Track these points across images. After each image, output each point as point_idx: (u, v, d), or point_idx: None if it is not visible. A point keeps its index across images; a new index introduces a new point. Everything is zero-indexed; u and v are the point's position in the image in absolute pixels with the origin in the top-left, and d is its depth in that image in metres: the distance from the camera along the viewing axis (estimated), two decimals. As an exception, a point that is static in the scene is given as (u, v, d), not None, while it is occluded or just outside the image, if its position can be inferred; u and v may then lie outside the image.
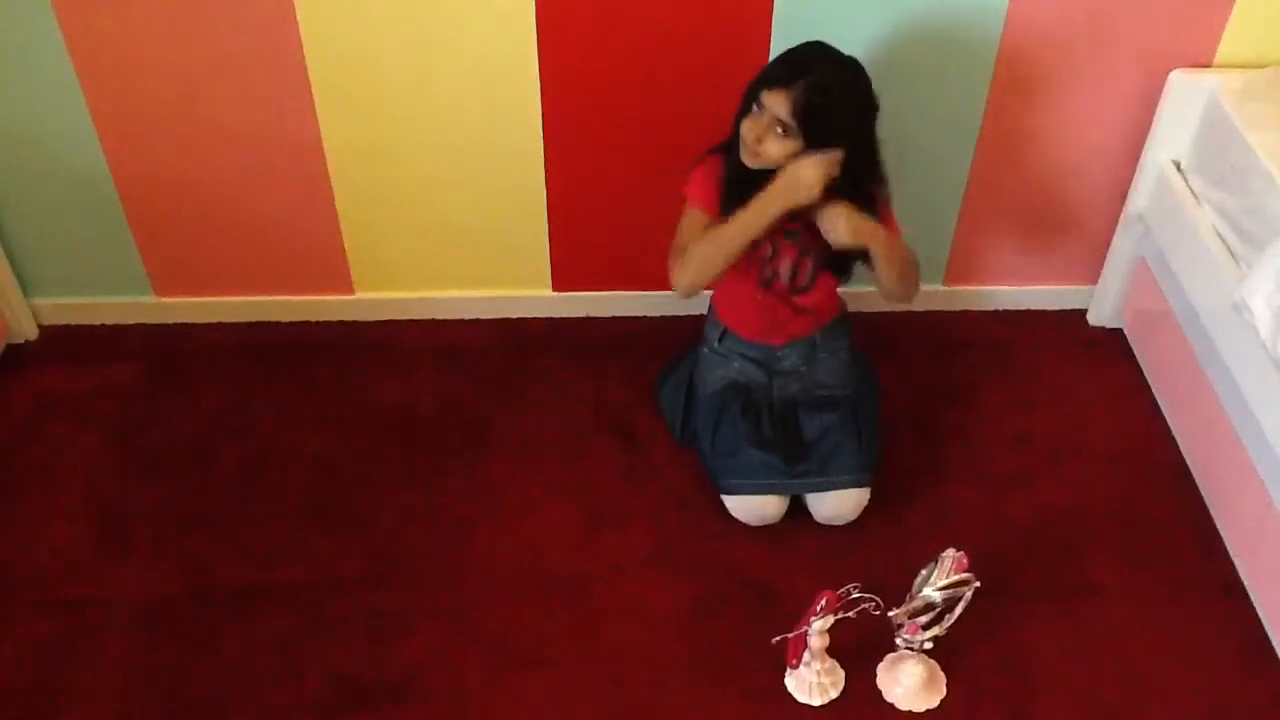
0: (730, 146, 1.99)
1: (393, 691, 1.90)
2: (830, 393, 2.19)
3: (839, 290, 2.21)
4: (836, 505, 2.13)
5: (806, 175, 1.90)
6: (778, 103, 1.86)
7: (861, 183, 1.98)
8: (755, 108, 1.91)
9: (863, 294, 2.31)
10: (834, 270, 2.09)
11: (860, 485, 2.12)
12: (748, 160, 1.94)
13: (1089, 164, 2.44)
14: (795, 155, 1.90)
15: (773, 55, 2.21)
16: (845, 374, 2.22)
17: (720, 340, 2.22)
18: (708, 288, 2.11)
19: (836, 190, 1.94)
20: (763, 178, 1.94)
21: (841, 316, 2.25)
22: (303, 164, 2.35)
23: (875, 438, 2.18)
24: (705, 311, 2.33)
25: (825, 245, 2.00)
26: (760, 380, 2.19)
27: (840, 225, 1.93)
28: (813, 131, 1.88)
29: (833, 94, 1.87)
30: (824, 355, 2.21)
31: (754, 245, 2.00)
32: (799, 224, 2.03)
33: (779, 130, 1.88)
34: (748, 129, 1.92)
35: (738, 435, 2.12)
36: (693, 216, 2.06)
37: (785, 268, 2.08)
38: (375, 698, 1.89)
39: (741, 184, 1.96)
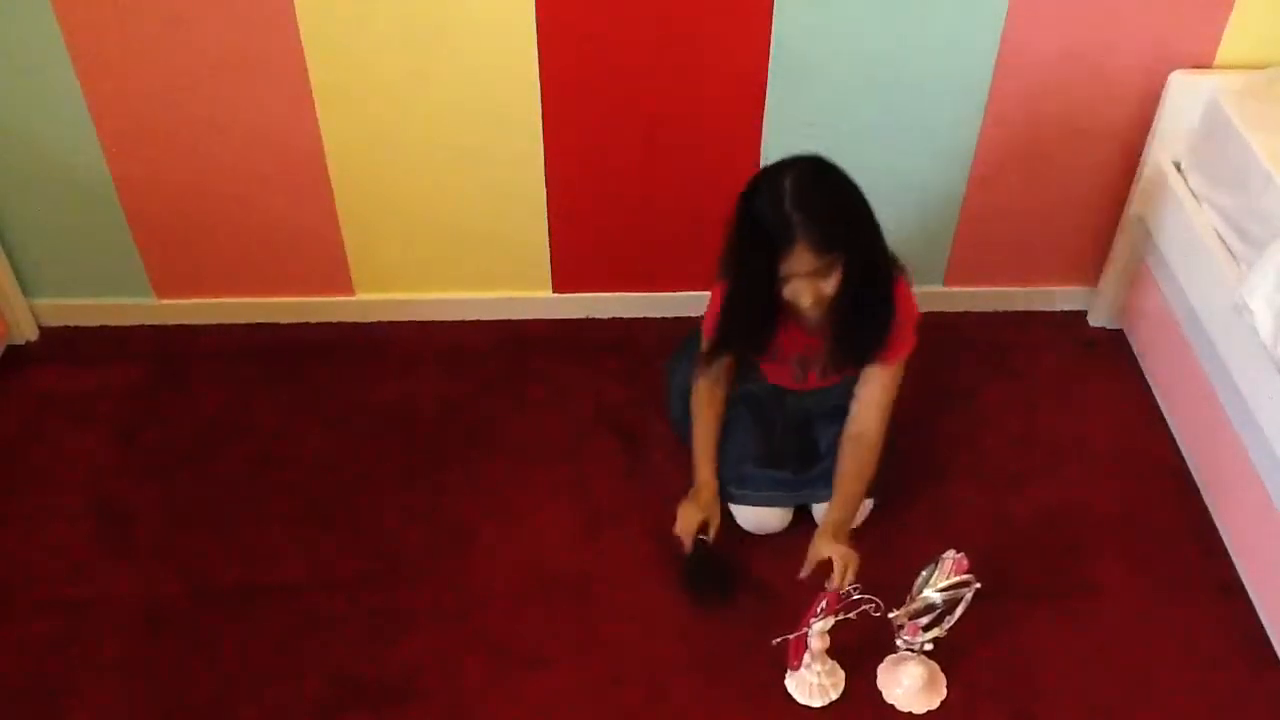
0: (726, 278, 1.92)
1: (393, 691, 1.90)
2: (846, 403, 2.17)
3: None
4: None
5: (682, 523, 2.03)
6: (801, 261, 1.75)
7: (875, 286, 1.88)
8: (785, 280, 1.79)
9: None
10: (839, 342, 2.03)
11: (864, 497, 2.12)
12: (815, 315, 1.88)
13: (1089, 164, 2.44)
14: (841, 273, 1.80)
15: (772, 58, 2.22)
16: None
17: None
18: None
19: (849, 299, 1.84)
20: (756, 328, 1.95)
21: None
22: (303, 165, 2.35)
23: (885, 452, 2.15)
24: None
25: (849, 355, 1.99)
26: (774, 392, 2.18)
27: (852, 559, 1.90)
28: (844, 242, 1.78)
29: (831, 200, 1.78)
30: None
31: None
32: (806, 351, 2.03)
33: (820, 274, 1.78)
34: (793, 296, 1.81)
35: (745, 447, 2.11)
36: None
37: (815, 373, 2.09)
38: (375, 698, 1.89)
39: (745, 325, 1.96)
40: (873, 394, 2.00)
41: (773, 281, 1.81)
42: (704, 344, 2.06)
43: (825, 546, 1.91)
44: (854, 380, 2.08)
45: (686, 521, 2.03)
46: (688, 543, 2.03)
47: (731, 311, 1.94)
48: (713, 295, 2.01)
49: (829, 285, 1.80)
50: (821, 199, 1.76)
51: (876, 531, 2.16)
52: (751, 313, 1.92)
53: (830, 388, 2.15)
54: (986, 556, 1.96)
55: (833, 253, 1.76)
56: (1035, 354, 2.58)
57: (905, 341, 1.98)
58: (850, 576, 1.87)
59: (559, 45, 2.20)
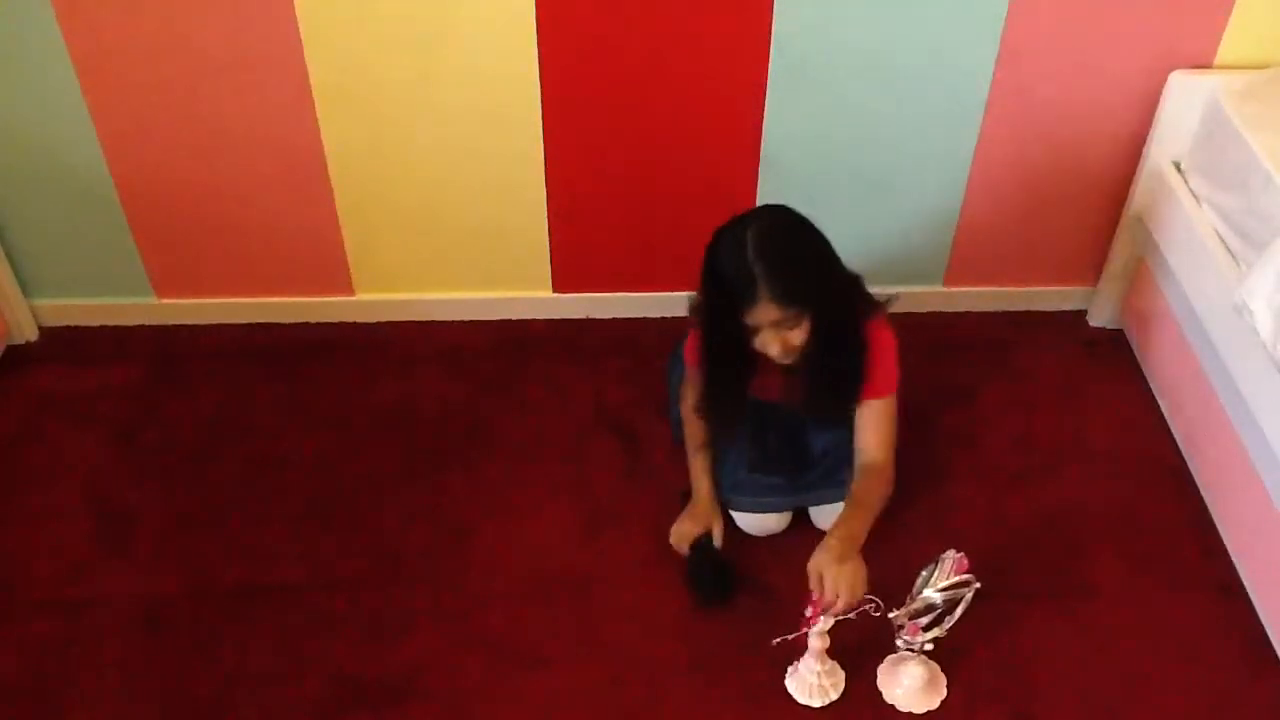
0: (703, 328, 1.93)
1: (393, 691, 1.90)
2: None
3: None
4: (834, 517, 2.12)
5: (676, 536, 2.07)
6: (765, 314, 1.77)
7: (843, 334, 1.89)
8: (752, 332, 1.82)
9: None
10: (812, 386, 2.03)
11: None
12: (787, 362, 1.88)
13: (1089, 164, 2.44)
14: (809, 324, 1.82)
15: (772, 57, 2.22)
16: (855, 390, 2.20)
17: None
18: None
19: (819, 347, 1.85)
20: (739, 357, 1.92)
21: None
22: (303, 165, 2.35)
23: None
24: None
25: (839, 375, 1.97)
26: (771, 397, 2.17)
27: (859, 586, 1.80)
28: (810, 297, 1.79)
29: (794, 254, 1.79)
30: None
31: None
32: (780, 396, 2.03)
33: (786, 326, 1.80)
34: (762, 346, 1.83)
35: (742, 452, 2.11)
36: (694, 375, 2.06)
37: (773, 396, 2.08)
38: (375, 698, 1.89)
39: (720, 367, 1.97)
40: (872, 431, 1.99)
41: (741, 331, 1.83)
42: (689, 374, 2.07)
43: (824, 563, 1.83)
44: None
45: (679, 536, 2.07)
46: (684, 550, 2.05)
47: (708, 361, 1.97)
48: (691, 334, 2.02)
49: (796, 336, 1.82)
50: (784, 252, 1.77)
51: (876, 531, 2.16)
52: (725, 363, 1.94)
53: None
54: (986, 556, 1.96)
55: (797, 305, 1.78)
56: (1035, 354, 2.58)
57: (888, 375, 1.97)
58: (848, 596, 1.79)
59: (559, 45, 2.20)
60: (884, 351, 1.96)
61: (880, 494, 1.99)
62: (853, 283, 1.93)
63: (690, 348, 2.04)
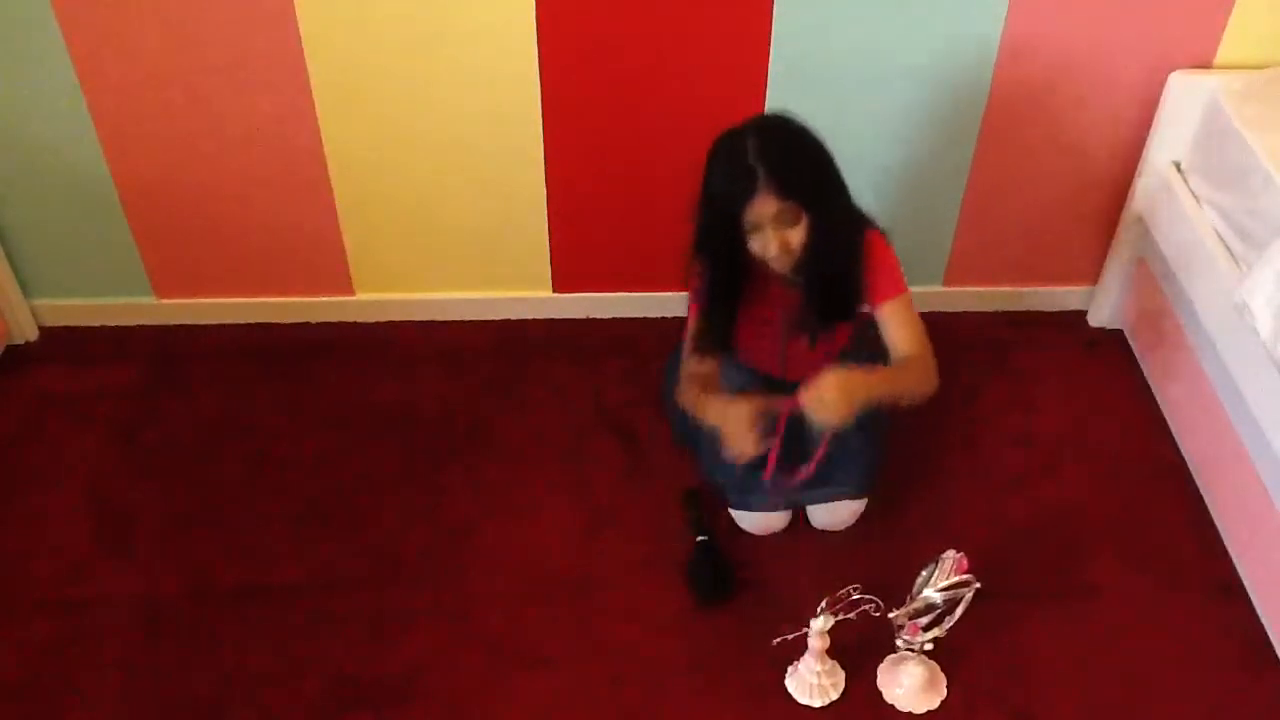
0: (701, 244, 1.92)
1: (393, 691, 1.90)
2: None
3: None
4: (831, 514, 2.13)
5: (734, 423, 1.87)
6: (765, 206, 1.77)
7: (842, 235, 1.89)
8: (750, 230, 1.81)
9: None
10: (840, 321, 2.04)
11: (858, 497, 2.12)
12: (782, 267, 1.87)
13: (1089, 164, 2.44)
14: (807, 224, 1.82)
15: (772, 57, 2.22)
16: None
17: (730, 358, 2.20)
18: None
19: (817, 247, 1.84)
20: (738, 275, 1.92)
21: (854, 334, 2.23)
22: (303, 165, 2.35)
23: (879, 452, 2.16)
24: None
25: (823, 318, 1.97)
26: (767, 391, 2.17)
27: (832, 411, 1.78)
28: (808, 192, 1.80)
29: (794, 150, 1.80)
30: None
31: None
32: (779, 314, 2.02)
33: (785, 223, 1.80)
34: (761, 248, 1.83)
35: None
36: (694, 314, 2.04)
37: (782, 319, 2.06)
38: (375, 698, 1.89)
39: (721, 292, 1.95)
40: (897, 328, 1.96)
41: (742, 237, 1.83)
42: (691, 328, 2.03)
43: (825, 380, 1.79)
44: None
45: (738, 420, 1.88)
46: (752, 444, 1.87)
47: (710, 279, 1.95)
48: (693, 278, 2.00)
49: (795, 235, 1.81)
50: (783, 146, 1.79)
51: (877, 531, 2.16)
52: (727, 273, 1.92)
53: None
54: (986, 556, 1.96)
55: (795, 198, 1.78)
56: (1035, 354, 2.58)
57: (894, 277, 1.96)
58: (825, 419, 1.78)
59: (559, 45, 2.20)
60: (884, 257, 1.96)
61: (914, 374, 1.95)
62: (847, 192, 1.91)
63: (693, 287, 2.01)
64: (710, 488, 2.18)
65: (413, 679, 1.92)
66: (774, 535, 2.14)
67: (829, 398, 1.78)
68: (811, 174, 1.82)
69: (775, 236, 1.81)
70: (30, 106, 2.24)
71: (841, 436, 2.11)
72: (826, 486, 2.10)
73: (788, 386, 2.15)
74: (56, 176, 2.35)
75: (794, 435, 2.15)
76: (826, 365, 1.85)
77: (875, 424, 2.18)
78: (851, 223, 1.92)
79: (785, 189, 1.77)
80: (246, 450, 2.30)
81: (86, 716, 1.87)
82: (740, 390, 2.16)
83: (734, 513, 2.14)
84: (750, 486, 2.10)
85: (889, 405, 1.92)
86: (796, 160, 1.80)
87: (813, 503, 2.13)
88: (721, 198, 1.81)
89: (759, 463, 2.10)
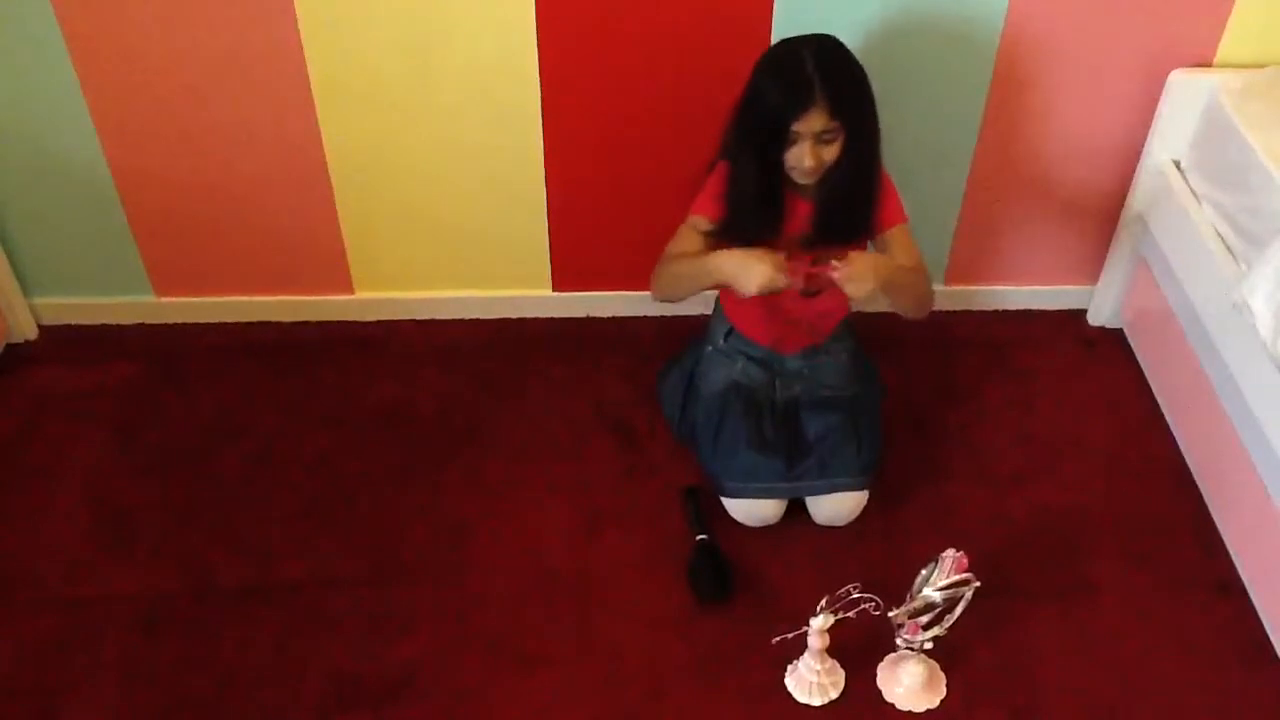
0: (735, 149, 1.96)
1: (393, 691, 1.90)
2: (833, 393, 2.19)
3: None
4: (835, 507, 2.13)
5: (755, 276, 1.87)
6: (814, 121, 1.84)
7: (869, 159, 1.97)
8: (791, 137, 1.87)
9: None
10: (849, 243, 2.06)
11: (859, 488, 2.13)
12: (808, 179, 1.93)
13: (1089, 164, 2.44)
14: (842, 142, 1.90)
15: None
16: (847, 375, 2.22)
17: (725, 339, 2.22)
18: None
19: (845, 173, 1.93)
20: (764, 200, 1.96)
21: (844, 319, 2.25)
22: (303, 164, 2.35)
23: (876, 440, 2.18)
24: (707, 312, 2.33)
25: (837, 231, 2.01)
26: (763, 381, 2.19)
27: (868, 279, 1.88)
28: (854, 114, 1.89)
29: (847, 71, 1.88)
30: (826, 357, 2.21)
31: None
32: (812, 229, 2.02)
33: (826, 139, 1.88)
34: (796, 158, 1.89)
35: (739, 438, 2.11)
36: (692, 224, 2.05)
37: (799, 276, 2.07)
38: (375, 698, 1.90)
39: (749, 197, 1.97)
40: (902, 252, 2.04)
41: (780, 145, 1.89)
42: (696, 221, 2.05)
43: (856, 254, 1.91)
44: (837, 367, 2.19)
45: (760, 256, 1.90)
46: (775, 270, 1.88)
47: (740, 182, 1.98)
48: (710, 178, 2.04)
49: (830, 152, 1.90)
50: (838, 66, 1.87)
51: (876, 530, 2.16)
52: (760, 181, 1.96)
53: (816, 374, 2.19)
54: (986, 556, 1.96)
55: (841, 118, 1.86)
56: (1035, 354, 2.58)
57: (896, 205, 2.05)
58: (854, 288, 1.88)
59: (559, 44, 2.20)
60: (890, 186, 2.06)
61: (924, 283, 2.05)
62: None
63: (706, 196, 2.04)
64: (709, 485, 2.18)
65: (412, 678, 1.92)
66: (774, 535, 2.14)
67: (859, 267, 1.88)
68: (859, 97, 1.90)
69: (813, 150, 1.88)
70: (30, 106, 2.24)
71: (835, 425, 2.12)
72: (824, 478, 2.10)
73: (781, 365, 2.16)
74: (56, 175, 2.35)
75: (794, 434, 2.15)
76: (816, 323, 2.00)
77: (867, 410, 2.20)
78: (877, 150, 2.00)
79: (836, 106, 1.84)
80: (246, 449, 2.30)
81: (86, 716, 1.87)
82: (733, 379, 2.17)
83: (727, 503, 2.14)
84: (749, 468, 2.10)
85: (903, 296, 2.01)
86: (849, 81, 1.88)
87: (812, 494, 2.13)
88: (774, 107, 1.86)
89: (749, 443, 2.10)
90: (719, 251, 1.95)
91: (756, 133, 1.90)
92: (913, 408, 2.42)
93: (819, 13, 2.17)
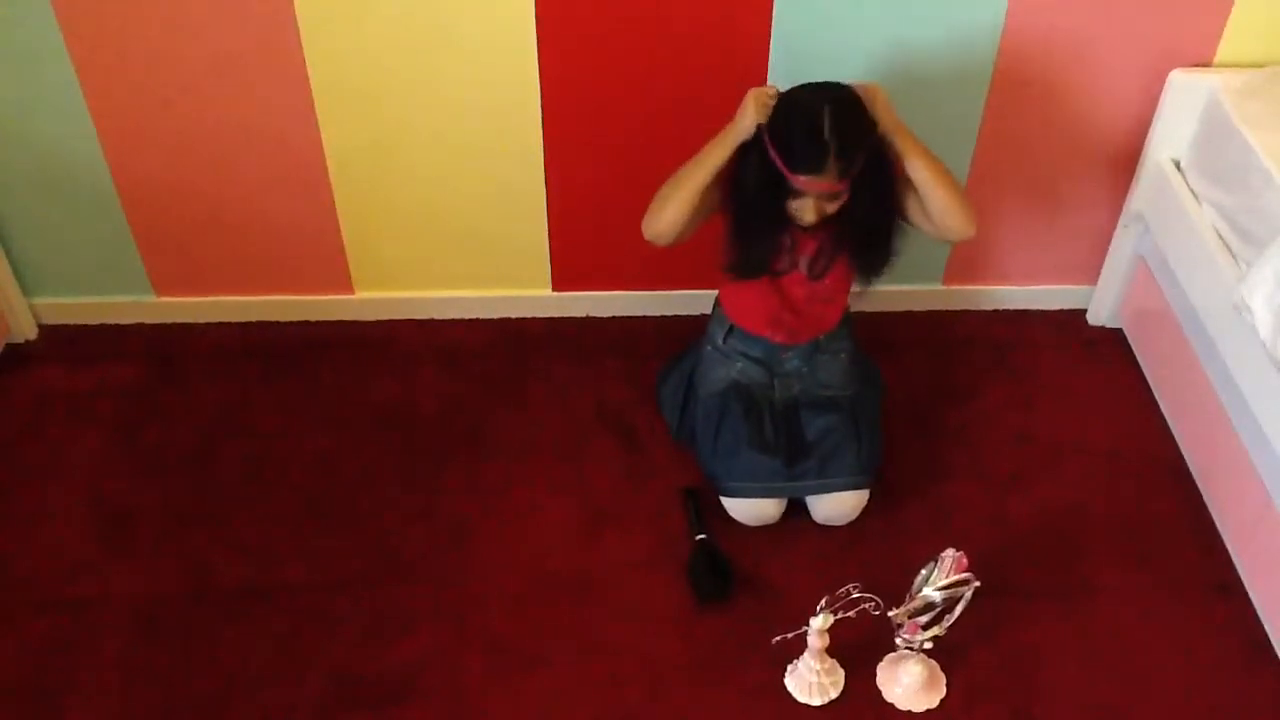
0: (738, 179, 1.98)
1: (393, 691, 1.90)
2: (832, 393, 2.19)
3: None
4: (835, 506, 2.13)
5: (748, 118, 1.92)
6: (821, 185, 1.87)
7: (875, 212, 1.98)
8: (795, 195, 1.90)
9: (863, 294, 2.32)
10: (851, 251, 2.08)
11: (859, 487, 2.13)
12: (810, 222, 1.95)
13: (1089, 164, 2.44)
14: (846, 196, 1.92)
15: (771, 57, 2.22)
16: (847, 375, 2.22)
17: (725, 339, 2.22)
18: (671, 233, 2.05)
19: (847, 219, 1.96)
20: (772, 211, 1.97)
21: (844, 318, 2.25)
22: (303, 164, 2.35)
23: (876, 440, 2.18)
24: (707, 311, 2.33)
25: (840, 232, 2.01)
26: (762, 381, 2.19)
27: (880, 104, 1.91)
28: (860, 174, 1.89)
29: (861, 133, 1.88)
30: (825, 357, 2.21)
31: (713, 184, 1.99)
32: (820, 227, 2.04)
33: (829, 199, 1.91)
34: (798, 211, 1.93)
35: (739, 437, 2.12)
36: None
37: (804, 256, 2.08)
38: (375, 698, 1.90)
39: (756, 219, 1.99)
40: None
41: (785, 195, 1.92)
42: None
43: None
44: (837, 366, 2.19)
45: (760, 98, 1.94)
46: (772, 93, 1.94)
47: (744, 223, 2.01)
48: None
49: (832, 206, 1.93)
50: (853, 129, 1.88)
51: (876, 530, 2.16)
52: (763, 222, 1.98)
53: (816, 374, 2.19)
54: (986, 556, 1.97)
55: (849, 179, 1.88)
56: (1035, 354, 2.58)
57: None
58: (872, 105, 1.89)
59: (559, 45, 2.20)
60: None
61: (956, 184, 2.01)
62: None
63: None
64: (709, 485, 2.18)
65: (413, 679, 1.92)
66: (773, 535, 2.14)
67: (882, 95, 1.91)
68: (868, 158, 1.90)
69: (815, 206, 1.91)
70: (30, 106, 2.24)
71: (835, 424, 2.12)
72: (824, 478, 2.10)
73: (778, 354, 2.16)
74: (56, 176, 2.34)
75: (794, 434, 2.15)
76: (820, 310, 2.05)
77: (867, 410, 2.20)
78: (888, 200, 2.00)
79: (844, 172, 1.87)
80: (246, 449, 2.30)
81: (86, 716, 1.87)
82: (733, 379, 2.17)
83: (727, 503, 2.14)
84: (749, 467, 2.10)
85: (932, 167, 1.97)
86: (860, 145, 1.88)
87: (811, 493, 2.13)
88: (785, 159, 1.87)
89: (749, 443, 2.10)
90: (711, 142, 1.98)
91: (765, 170, 1.91)
92: (913, 408, 2.42)
93: (819, 13, 2.17)
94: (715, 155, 1.96)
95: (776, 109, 1.90)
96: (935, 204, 1.97)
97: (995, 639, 1.99)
